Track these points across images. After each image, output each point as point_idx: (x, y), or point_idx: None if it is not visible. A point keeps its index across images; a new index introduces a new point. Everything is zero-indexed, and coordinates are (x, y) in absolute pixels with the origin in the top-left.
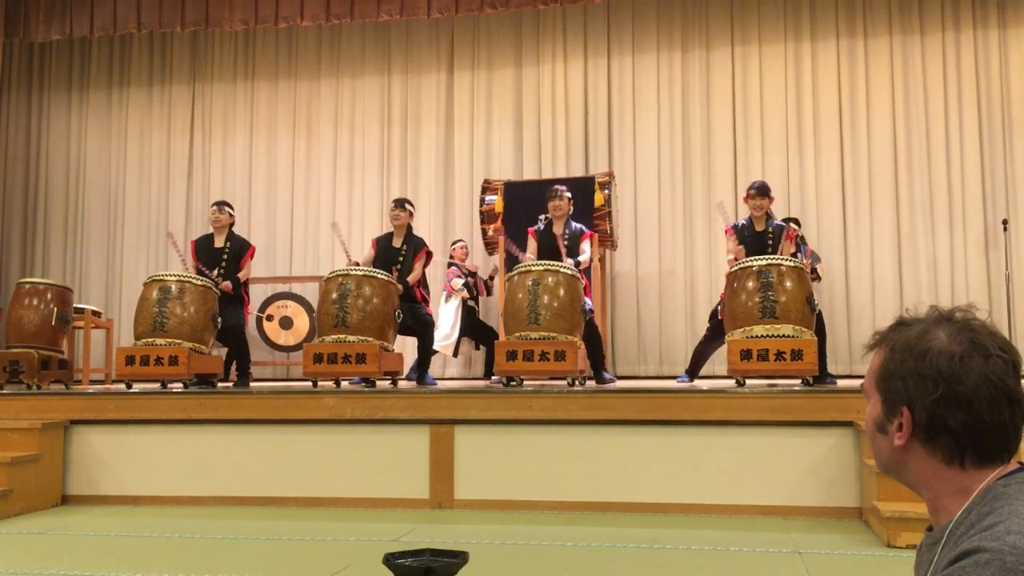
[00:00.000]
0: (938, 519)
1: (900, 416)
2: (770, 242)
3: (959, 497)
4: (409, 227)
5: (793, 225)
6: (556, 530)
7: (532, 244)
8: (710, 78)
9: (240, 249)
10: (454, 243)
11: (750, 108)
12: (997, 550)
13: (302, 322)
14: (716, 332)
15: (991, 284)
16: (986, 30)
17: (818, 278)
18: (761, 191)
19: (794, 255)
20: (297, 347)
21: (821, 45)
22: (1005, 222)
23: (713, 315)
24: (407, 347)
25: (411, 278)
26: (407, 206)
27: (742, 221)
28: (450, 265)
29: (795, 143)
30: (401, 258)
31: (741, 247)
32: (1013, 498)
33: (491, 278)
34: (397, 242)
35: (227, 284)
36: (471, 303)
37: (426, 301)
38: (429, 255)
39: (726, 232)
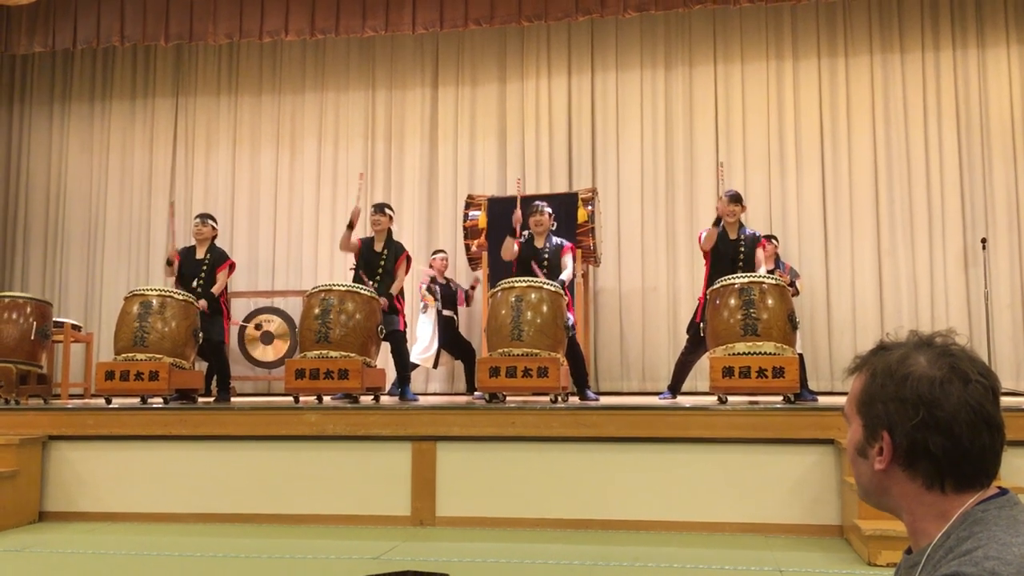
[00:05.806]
0: (917, 542)
1: (881, 440)
2: (742, 250)
3: (939, 521)
4: (390, 231)
5: (774, 242)
6: (538, 547)
7: (515, 246)
8: (693, 95)
9: (218, 261)
10: (434, 253)
11: (732, 125)
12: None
13: (284, 337)
14: (696, 343)
15: (970, 301)
16: (965, 50)
17: (796, 293)
18: (733, 198)
19: (772, 271)
20: (279, 363)
21: (803, 63)
22: (984, 240)
23: (691, 325)
24: (389, 362)
25: (395, 288)
26: (387, 210)
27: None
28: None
29: (777, 160)
30: (383, 263)
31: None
32: (992, 523)
33: (472, 287)
34: (378, 247)
35: (203, 303)
36: (447, 312)
37: (400, 311)
38: (409, 260)
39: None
